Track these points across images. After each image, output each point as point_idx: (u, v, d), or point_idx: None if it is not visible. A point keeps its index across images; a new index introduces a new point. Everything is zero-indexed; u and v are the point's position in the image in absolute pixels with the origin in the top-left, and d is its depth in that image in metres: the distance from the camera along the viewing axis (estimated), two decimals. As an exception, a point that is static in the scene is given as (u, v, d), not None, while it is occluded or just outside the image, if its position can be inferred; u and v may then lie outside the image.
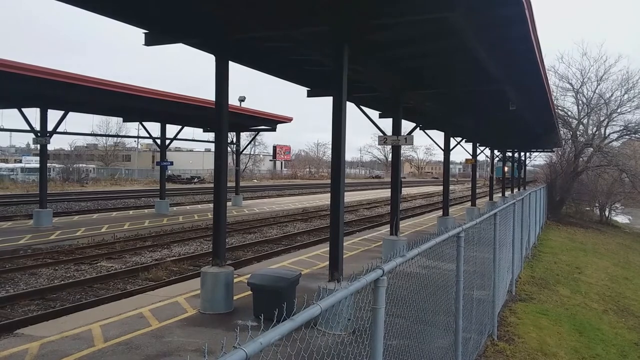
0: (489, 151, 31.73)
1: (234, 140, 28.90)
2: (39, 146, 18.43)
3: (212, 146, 32.54)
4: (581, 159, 34.91)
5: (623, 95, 33.89)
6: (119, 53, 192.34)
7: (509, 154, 36.32)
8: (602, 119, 35.42)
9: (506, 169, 37.27)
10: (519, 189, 36.51)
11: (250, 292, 7.61)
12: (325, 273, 8.36)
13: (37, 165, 24.70)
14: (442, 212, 17.95)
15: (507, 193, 32.77)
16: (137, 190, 41.61)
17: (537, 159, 49.74)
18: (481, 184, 56.45)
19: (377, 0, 6.58)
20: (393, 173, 12.24)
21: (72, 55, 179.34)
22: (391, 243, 11.22)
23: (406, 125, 15.14)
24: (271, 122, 25.22)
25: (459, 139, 23.76)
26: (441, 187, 19.91)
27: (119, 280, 11.68)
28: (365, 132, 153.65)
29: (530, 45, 8.33)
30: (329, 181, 7.79)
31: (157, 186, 32.75)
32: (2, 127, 20.75)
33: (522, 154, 39.95)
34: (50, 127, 18.09)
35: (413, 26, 7.79)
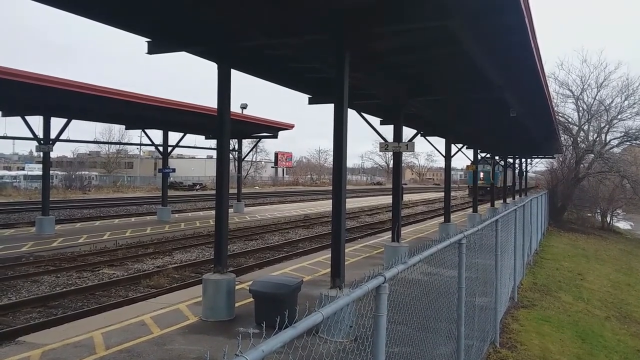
0: (490, 158, 31.72)
1: (236, 147, 28.98)
2: (41, 154, 18.49)
3: (214, 153, 32.63)
4: (582, 165, 34.93)
5: (623, 102, 34.02)
6: (109, 59, 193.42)
7: (510, 160, 36.29)
8: (602, 125, 35.49)
9: (481, 174, 35.40)
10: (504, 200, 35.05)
11: (252, 299, 7.61)
12: (327, 280, 8.36)
13: (40, 173, 24.81)
14: (443, 219, 17.95)
15: (488, 205, 31.82)
16: (139, 197, 41.66)
17: (538, 165, 49.72)
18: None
19: (377, 9, 6.63)
20: (394, 179, 12.26)
21: (62, 61, 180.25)
22: (393, 250, 11.22)
23: (407, 132, 15.18)
24: (273, 129, 25.30)
25: (460, 145, 23.78)
26: (442, 194, 19.92)
27: (121, 287, 11.68)
28: (366, 138, 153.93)
29: (531, 52, 8.38)
30: (330, 188, 7.82)
31: (159, 193, 32.81)
32: (5, 134, 20.81)
33: (523, 160, 39.93)
34: (53, 135, 18.17)
35: (413, 34, 7.84)
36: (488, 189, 36.13)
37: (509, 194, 35.49)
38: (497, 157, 32.82)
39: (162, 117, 19.27)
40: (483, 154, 32.46)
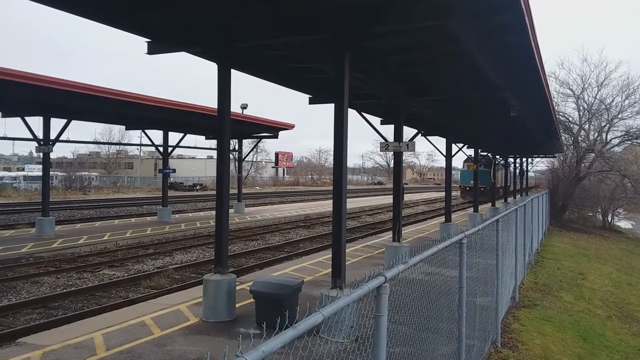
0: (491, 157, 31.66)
1: (236, 147, 28.97)
2: (41, 154, 18.49)
3: (214, 153, 32.64)
4: (583, 164, 34.87)
5: (624, 101, 33.90)
6: (109, 59, 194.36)
7: (511, 159, 36.24)
8: (603, 124, 35.43)
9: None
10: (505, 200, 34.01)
11: (252, 300, 7.60)
12: (328, 280, 8.35)
13: (40, 174, 24.79)
14: (444, 218, 17.92)
15: (481, 207, 31.22)
16: (139, 198, 41.66)
17: (539, 165, 49.68)
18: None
19: (378, 8, 6.62)
20: (395, 179, 12.24)
21: (62, 61, 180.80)
22: (394, 249, 11.20)
23: (408, 132, 15.15)
24: (273, 129, 25.29)
25: (460, 144, 23.78)
26: (443, 194, 19.90)
27: (121, 288, 11.67)
28: (367, 138, 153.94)
29: (530, 51, 8.36)
30: (331, 188, 7.81)
31: (159, 194, 32.82)
32: (5, 135, 20.82)
33: (524, 159, 39.93)
34: (53, 136, 18.18)
35: (414, 33, 7.83)
36: (482, 189, 35.63)
37: (508, 194, 35.41)
38: (497, 157, 32.75)
39: (162, 118, 19.25)
40: (484, 154, 32.43)
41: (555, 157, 38.75)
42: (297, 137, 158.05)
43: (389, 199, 31.31)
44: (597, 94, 34.66)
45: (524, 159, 40.05)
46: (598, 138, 35.48)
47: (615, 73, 50.23)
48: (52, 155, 20.61)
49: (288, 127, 25.42)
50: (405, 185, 49.76)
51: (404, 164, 16.10)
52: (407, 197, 46.03)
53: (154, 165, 72.26)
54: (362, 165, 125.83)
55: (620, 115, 34.18)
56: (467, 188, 43.19)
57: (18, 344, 6.78)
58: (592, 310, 11.58)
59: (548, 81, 13.91)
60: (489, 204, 29.58)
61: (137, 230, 19.76)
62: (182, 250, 16.58)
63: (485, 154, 32.66)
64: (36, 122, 25.00)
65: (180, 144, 25.65)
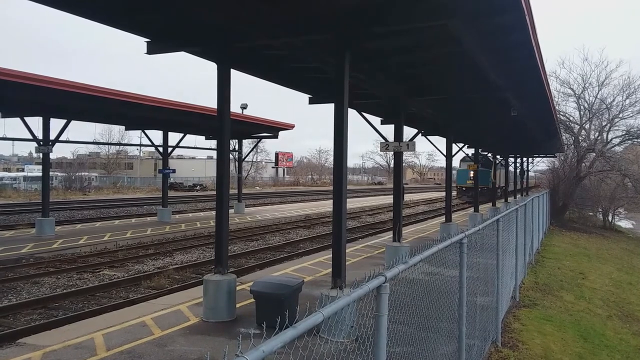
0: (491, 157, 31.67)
1: (236, 147, 28.97)
2: (41, 155, 18.49)
3: (214, 153, 32.61)
4: (584, 164, 34.87)
5: (625, 100, 33.90)
6: (109, 59, 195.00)
7: (511, 159, 36.23)
8: (604, 124, 35.42)
9: (471, 174, 30.95)
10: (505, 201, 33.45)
11: (252, 300, 7.60)
12: (328, 280, 8.35)
13: (40, 174, 24.76)
14: (444, 218, 17.92)
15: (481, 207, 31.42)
16: (139, 198, 41.66)
17: (540, 165, 49.64)
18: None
19: (379, 9, 6.61)
20: (395, 179, 12.23)
21: (63, 61, 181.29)
22: (394, 249, 11.20)
23: (408, 132, 15.12)
24: (273, 129, 25.27)
25: (460, 144, 23.77)
26: (443, 193, 19.91)
27: (122, 288, 11.67)
28: (367, 138, 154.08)
29: (531, 51, 8.35)
30: (331, 188, 7.81)
31: (159, 194, 32.82)
32: (4, 136, 20.78)
33: (525, 158, 39.90)
34: (52, 136, 18.17)
35: (415, 34, 7.81)
36: (480, 190, 35.32)
37: (508, 194, 35.39)
38: (498, 156, 32.76)
39: (161, 118, 19.24)
40: (484, 153, 32.44)
41: (556, 156, 38.75)
42: (297, 137, 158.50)
43: (389, 199, 31.27)
44: (597, 94, 34.71)
45: (525, 159, 40.02)
46: (599, 137, 35.48)
47: (616, 72, 50.52)
48: (52, 156, 20.64)
49: (288, 127, 25.41)
50: (405, 185, 49.40)
51: (404, 164, 16.08)
52: (408, 197, 45.96)
53: (154, 165, 72.29)
54: (362, 165, 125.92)
55: (621, 115, 34.22)
56: (464, 188, 40.84)
57: (18, 345, 6.78)
58: (593, 309, 11.58)
59: (549, 80, 13.90)
60: (489, 204, 29.58)
61: (137, 230, 19.75)
62: (182, 250, 16.58)
63: (485, 153, 32.65)
64: (36, 122, 24.94)
65: (180, 144, 25.63)
